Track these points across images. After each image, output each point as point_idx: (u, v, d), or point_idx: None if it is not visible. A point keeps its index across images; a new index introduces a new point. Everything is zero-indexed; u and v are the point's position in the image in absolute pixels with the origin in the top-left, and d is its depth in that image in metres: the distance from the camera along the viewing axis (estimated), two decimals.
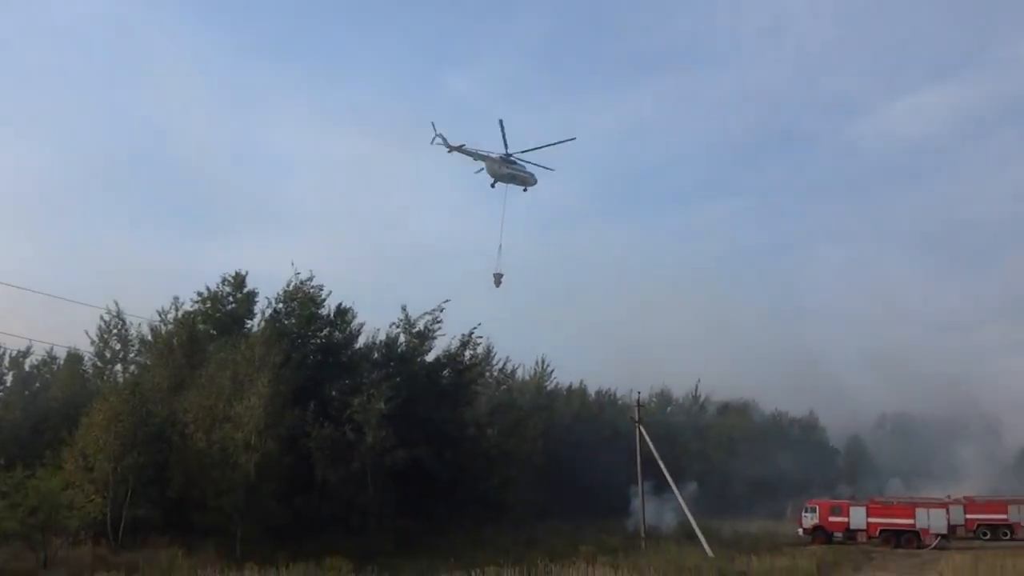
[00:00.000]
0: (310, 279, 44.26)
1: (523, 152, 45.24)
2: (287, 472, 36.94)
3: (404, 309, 46.01)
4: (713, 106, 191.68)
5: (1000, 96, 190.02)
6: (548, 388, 65.51)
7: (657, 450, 43.50)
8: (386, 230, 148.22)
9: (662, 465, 42.65)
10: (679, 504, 42.49)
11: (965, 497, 56.07)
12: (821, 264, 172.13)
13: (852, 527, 48.74)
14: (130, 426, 34.36)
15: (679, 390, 80.00)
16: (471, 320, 48.99)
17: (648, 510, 46.29)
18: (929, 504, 49.93)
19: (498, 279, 45.31)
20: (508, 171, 45.90)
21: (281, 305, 44.18)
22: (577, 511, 51.50)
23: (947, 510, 48.62)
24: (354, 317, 45.88)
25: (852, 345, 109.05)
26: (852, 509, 49.64)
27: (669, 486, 42.84)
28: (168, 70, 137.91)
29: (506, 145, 45.25)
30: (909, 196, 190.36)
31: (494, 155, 46.00)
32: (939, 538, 46.07)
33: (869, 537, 47.91)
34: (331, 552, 30.83)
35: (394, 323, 46.00)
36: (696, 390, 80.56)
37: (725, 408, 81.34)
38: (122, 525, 34.07)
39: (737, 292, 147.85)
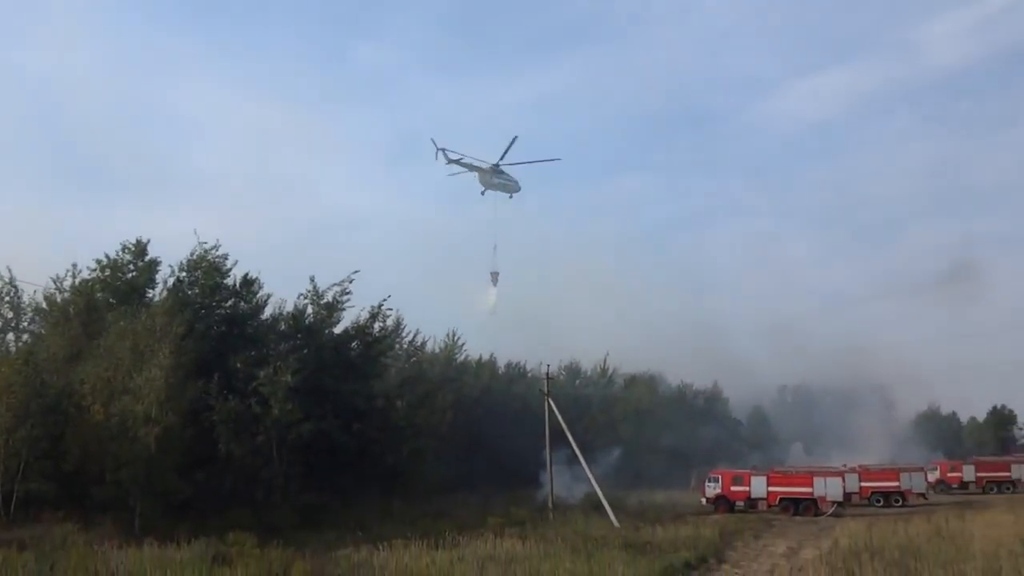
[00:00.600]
0: (215, 248, 42.75)
1: (510, 164, 51.77)
2: (189, 445, 35.81)
3: (312, 280, 44.89)
4: (623, 82, 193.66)
5: (896, 79, 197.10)
6: (458, 361, 65.27)
7: (566, 422, 43.85)
8: (295, 199, 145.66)
9: (570, 437, 43.05)
10: (588, 475, 42.93)
11: (860, 466, 58.34)
12: (725, 239, 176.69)
13: (753, 496, 50.18)
14: (23, 397, 32.70)
15: (588, 363, 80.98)
16: (381, 292, 48.20)
17: (557, 482, 46.70)
18: (826, 473, 51.75)
19: (495, 277, 51.71)
20: (498, 180, 52.09)
21: (184, 274, 42.62)
22: (487, 483, 51.65)
23: (843, 479, 50.49)
24: (261, 288, 44.60)
25: (753, 318, 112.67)
26: (753, 479, 51.06)
27: (579, 458, 43.28)
28: (70, 31, 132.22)
29: (502, 158, 51.02)
30: (809, 174, 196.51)
31: (486, 167, 51.65)
32: (835, 505, 47.81)
33: (769, 506, 49.39)
34: (234, 527, 30.08)
35: (302, 294, 44.86)
36: (604, 363, 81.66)
37: (632, 380, 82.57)
38: (14, 500, 32.55)
39: (644, 266, 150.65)
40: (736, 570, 25.69)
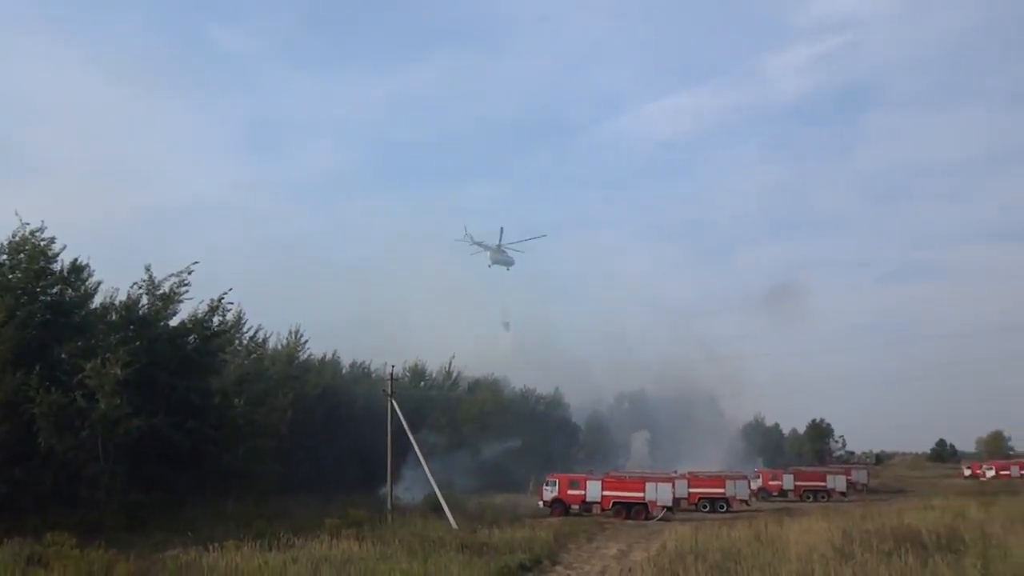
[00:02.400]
0: (40, 230, 39.85)
1: (508, 245, 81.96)
2: (5, 440, 33.53)
3: (148, 269, 42.59)
4: (487, 88, 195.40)
5: (743, 106, 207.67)
6: (301, 359, 63.58)
7: (409, 423, 43.68)
8: (133, 184, 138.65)
9: (412, 438, 42.90)
10: (428, 477, 42.88)
11: (689, 473, 60.95)
12: (575, 249, 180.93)
13: (588, 500, 51.47)
14: None
15: (433, 366, 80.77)
16: (223, 285, 46.33)
17: (399, 484, 46.42)
18: (657, 479, 53.71)
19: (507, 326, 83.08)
20: (501, 258, 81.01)
21: (5, 257, 39.62)
22: (327, 485, 50.69)
23: (673, 484, 52.54)
24: (91, 275, 41.96)
25: (596, 327, 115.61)
26: (589, 483, 52.38)
27: (420, 459, 43.18)
28: None
29: (500, 240, 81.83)
30: (660, 191, 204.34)
31: (493, 247, 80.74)
32: (665, 510, 49.69)
33: (603, 509, 50.76)
34: (54, 527, 28.27)
35: (136, 283, 42.51)
36: (450, 366, 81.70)
37: (476, 384, 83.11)
38: None
39: (493, 272, 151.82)
40: (569, 571, 26.28)
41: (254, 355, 55.68)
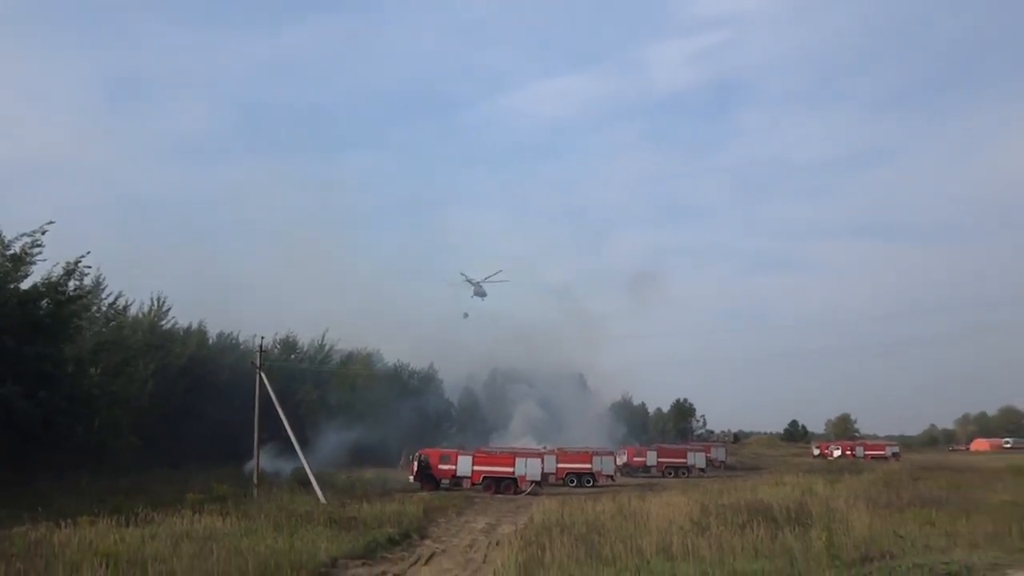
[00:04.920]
0: None
1: (482, 280, 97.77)
2: None
3: None
4: (371, 57, 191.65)
5: (625, 93, 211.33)
6: (164, 327, 60.99)
7: (279, 397, 42.76)
8: None
9: (280, 412, 41.94)
10: (297, 451, 42.12)
11: (558, 448, 62.12)
12: (456, 226, 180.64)
13: (459, 474, 51.76)
14: None
15: (305, 337, 79.12)
16: (81, 249, 43.83)
17: (267, 458, 45.44)
18: (526, 454, 54.58)
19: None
20: (480, 291, 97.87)
21: None
22: (190, 459, 49.09)
23: (542, 459, 53.45)
24: None
25: (473, 303, 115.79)
26: (460, 457, 52.67)
27: (288, 433, 42.32)
28: None
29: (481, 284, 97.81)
30: (542, 172, 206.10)
31: (475, 282, 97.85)
32: (533, 484, 50.53)
33: (473, 484, 51.20)
34: None
35: None
36: (323, 339, 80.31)
37: (349, 357, 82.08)
38: None
39: (372, 245, 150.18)
40: (438, 545, 26.37)
41: (113, 323, 53.00)
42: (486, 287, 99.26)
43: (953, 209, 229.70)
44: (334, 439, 62.15)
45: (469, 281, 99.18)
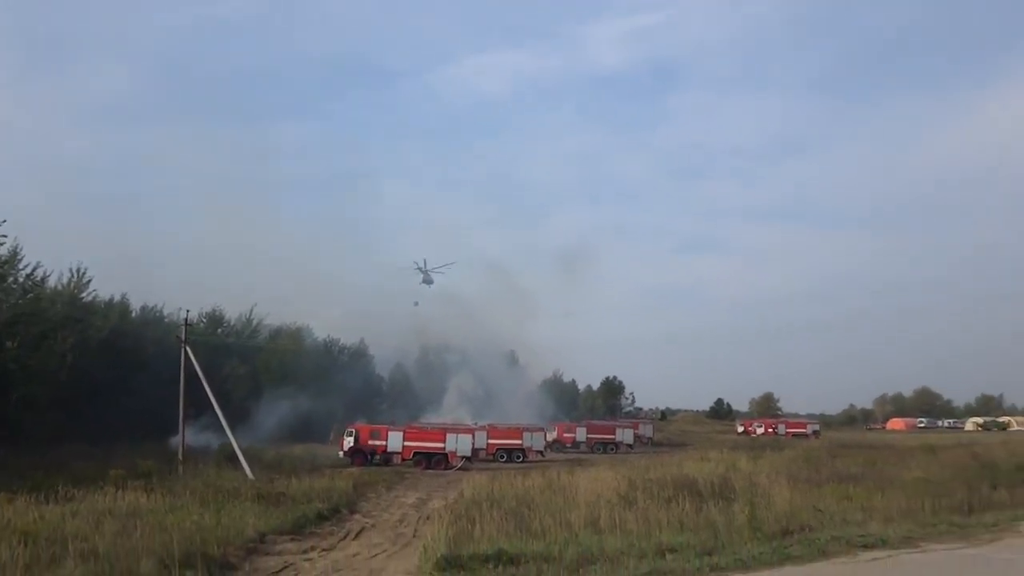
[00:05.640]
0: None
1: (432, 269, 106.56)
2: None
3: None
4: (305, 23, 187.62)
5: (562, 70, 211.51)
6: (84, 300, 58.98)
7: (205, 371, 42.04)
8: None
9: (206, 386, 41.25)
10: (224, 426, 41.51)
11: (488, 424, 62.33)
12: (390, 200, 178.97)
13: (390, 450, 51.71)
14: None
15: (232, 311, 77.65)
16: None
17: (194, 434, 44.72)
18: (458, 430, 54.71)
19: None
20: (428, 279, 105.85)
21: None
22: (114, 434, 47.68)
23: (473, 435, 53.63)
24: None
25: (406, 279, 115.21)
26: (390, 433, 52.60)
27: (215, 408, 41.66)
28: None
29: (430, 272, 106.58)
30: (478, 147, 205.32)
31: (426, 271, 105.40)
32: (464, 460, 50.72)
33: (404, 459, 51.18)
34: None
35: None
36: (251, 313, 78.98)
37: (278, 332, 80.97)
38: None
39: (305, 217, 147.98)
40: (367, 520, 26.34)
41: (31, 295, 50.92)
42: (434, 275, 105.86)
43: (875, 196, 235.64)
44: (263, 415, 61.41)
45: (419, 269, 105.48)
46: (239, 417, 50.75)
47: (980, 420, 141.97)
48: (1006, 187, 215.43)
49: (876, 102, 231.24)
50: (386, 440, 51.92)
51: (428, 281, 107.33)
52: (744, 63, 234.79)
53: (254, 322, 79.20)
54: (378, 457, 51.25)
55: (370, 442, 51.94)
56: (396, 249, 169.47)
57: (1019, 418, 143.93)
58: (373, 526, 24.87)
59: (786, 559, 14.73)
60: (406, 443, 51.76)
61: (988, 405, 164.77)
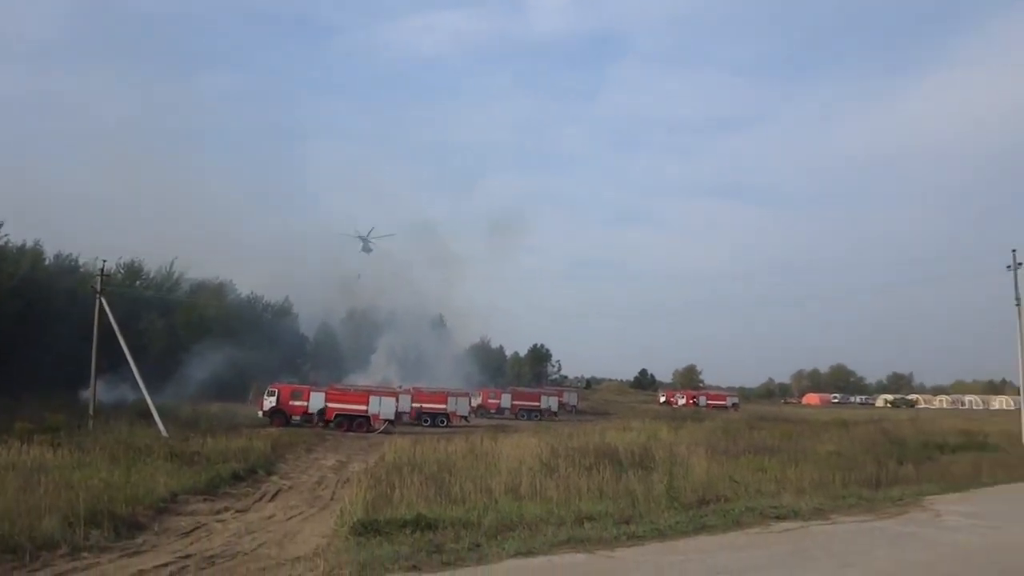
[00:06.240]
0: None
1: (373, 238, 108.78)
2: None
3: None
4: None
5: (502, 35, 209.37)
6: None
7: (122, 324, 40.74)
8: None
9: (121, 340, 40.00)
10: (138, 381, 40.36)
11: (414, 387, 62.11)
12: (319, 157, 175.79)
13: (311, 411, 50.99)
14: None
15: (152, 263, 75.21)
16: None
17: (108, 388, 43.39)
18: (381, 392, 54.28)
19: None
20: (367, 247, 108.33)
21: None
22: (23, 386, 45.84)
23: (397, 398, 53.31)
24: None
25: (333, 239, 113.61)
26: (312, 394, 51.87)
27: (129, 362, 40.46)
28: None
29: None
30: (415, 108, 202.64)
31: (366, 239, 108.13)
32: (387, 423, 50.38)
33: (326, 421, 50.58)
34: None
35: None
36: (171, 265, 76.65)
37: (200, 287, 78.96)
38: None
39: (229, 171, 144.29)
40: (285, 481, 25.91)
41: None
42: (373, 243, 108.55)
43: (800, 177, 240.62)
44: (180, 371, 60.00)
45: (360, 237, 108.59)
46: (155, 373, 49.38)
47: (890, 397, 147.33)
48: (920, 171, 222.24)
49: (802, 86, 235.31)
50: (308, 401, 51.21)
51: (367, 249, 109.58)
52: (683, 40, 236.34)
53: (175, 275, 76.88)
54: (299, 418, 50.57)
55: (291, 403, 51.17)
56: (326, 208, 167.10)
57: (927, 396, 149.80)
58: (290, 488, 24.48)
59: (702, 528, 14.86)
60: (328, 404, 51.14)
61: (898, 383, 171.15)
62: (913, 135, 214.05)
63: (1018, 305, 43.38)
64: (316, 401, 51.22)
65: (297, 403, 51.19)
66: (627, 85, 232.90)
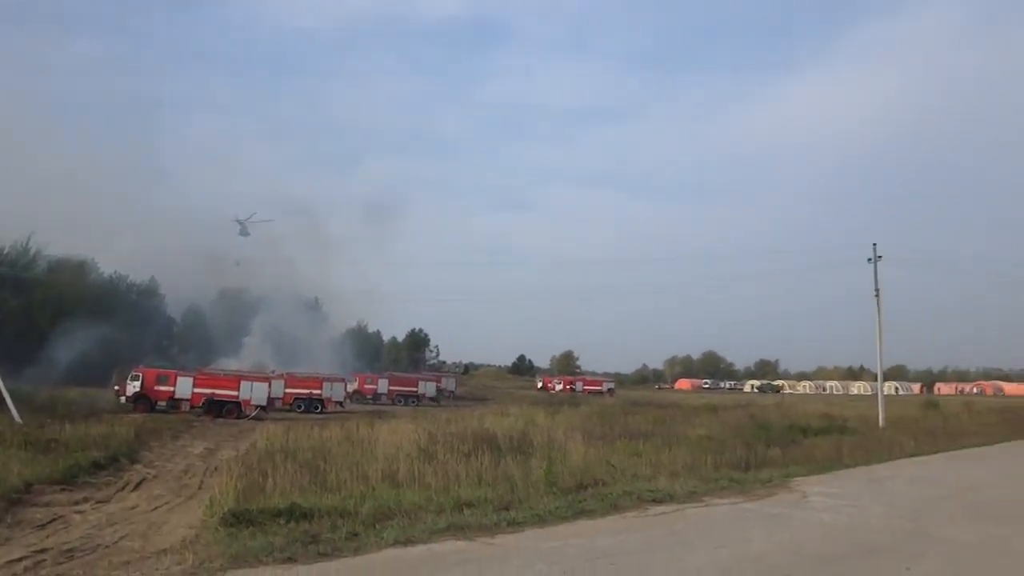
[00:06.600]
0: None
1: (249, 221, 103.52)
2: None
3: None
4: None
5: (386, 14, 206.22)
6: None
7: None
8: None
9: None
10: None
11: (286, 372, 60.69)
12: (192, 132, 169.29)
13: (178, 396, 49.12)
14: None
15: (6, 238, 70.65)
16: None
17: None
18: (253, 377, 52.81)
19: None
20: (244, 231, 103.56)
21: None
22: None
23: (269, 384, 52.00)
24: None
25: (203, 217, 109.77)
26: (179, 378, 49.99)
27: None
28: None
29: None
30: (293, 84, 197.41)
31: (243, 222, 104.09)
32: (258, 409, 49.03)
33: (193, 407, 48.83)
34: None
35: None
36: (28, 241, 72.28)
37: (59, 265, 74.79)
38: None
39: (92, 144, 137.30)
40: (149, 470, 24.74)
41: None
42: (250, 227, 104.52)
43: (679, 169, 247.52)
44: (39, 354, 56.77)
45: (237, 221, 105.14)
46: (9, 355, 46.53)
47: (757, 383, 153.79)
48: (790, 165, 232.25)
49: (682, 81, 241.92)
50: (175, 386, 49.32)
51: (245, 233, 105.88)
52: (570, 29, 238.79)
53: (31, 251, 72.61)
54: (165, 404, 48.64)
55: (157, 388, 49.17)
56: (197, 185, 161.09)
57: (791, 381, 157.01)
58: (155, 477, 23.38)
59: (581, 513, 14.92)
60: (196, 390, 49.38)
61: (765, 369, 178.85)
62: (784, 131, 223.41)
63: (877, 296, 45.81)
64: (183, 386, 49.39)
65: (163, 388, 49.23)
66: (511, 72, 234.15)
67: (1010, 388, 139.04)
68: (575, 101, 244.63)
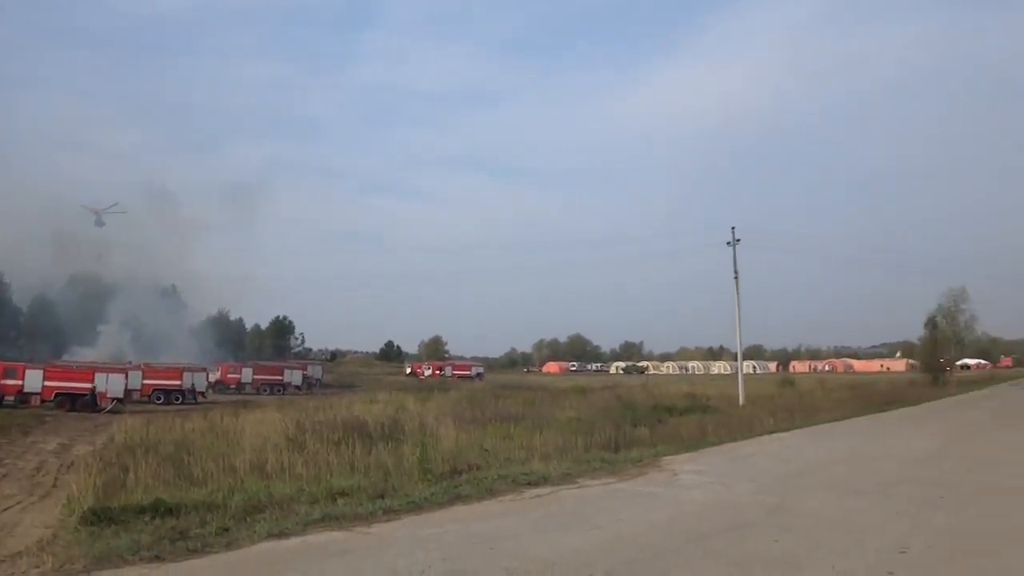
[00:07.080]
0: None
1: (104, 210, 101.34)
2: None
3: None
4: None
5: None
6: None
7: None
8: None
9: None
10: None
11: (144, 363, 58.35)
12: (42, 113, 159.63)
13: (27, 390, 46.59)
14: None
15: None
16: None
17: None
18: (108, 368, 50.56)
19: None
20: (100, 222, 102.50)
21: None
22: None
23: (126, 375, 49.89)
24: None
25: (49, 204, 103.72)
26: (28, 372, 47.46)
27: None
28: None
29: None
30: (153, 66, 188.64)
31: (98, 211, 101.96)
32: (115, 402, 46.94)
33: (44, 401, 46.39)
34: None
35: None
36: None
37: None
38: None
39: None
40: None
41: None
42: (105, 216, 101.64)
43: (553, 154, 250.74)
44: None
45: (91, 210, 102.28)
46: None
47: (623, 364, 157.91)
48: (657, 151, 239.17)
49: (564, 67, 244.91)
50: (23, 379, 46.66)
51: (100, 223, 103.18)
52: (443, 11, 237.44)
53: None
54: (12, 398, 45.95)
55: (4, 381, 46.40)
56: (47, 169, 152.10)
57: (655, 362, 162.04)
58: (5, 475, 22.10)
59: (456, 499, 14.95)
60: (47, 383, 46.90)
61: (630, 351, 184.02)
62: (650, 119, 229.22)
63: (736, 278, 47.79)
64: (33, 379, 46.84)
65: (10, 382, 46.58)
66: (382, 54, 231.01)
67: (859, 365, 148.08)
68: (447, 85, 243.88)
